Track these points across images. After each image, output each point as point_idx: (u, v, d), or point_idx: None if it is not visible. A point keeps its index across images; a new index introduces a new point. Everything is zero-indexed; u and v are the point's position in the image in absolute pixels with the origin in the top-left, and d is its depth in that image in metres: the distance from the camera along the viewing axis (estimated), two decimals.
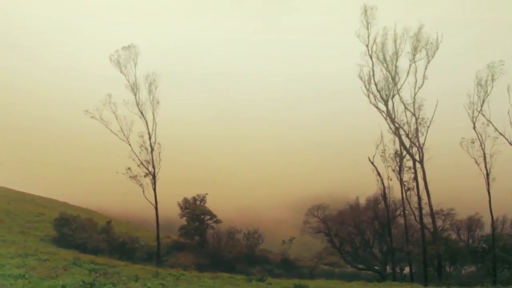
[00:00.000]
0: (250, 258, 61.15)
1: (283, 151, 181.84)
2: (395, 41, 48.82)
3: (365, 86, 50.22)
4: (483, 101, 47.52)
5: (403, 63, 49.12)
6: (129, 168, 50.89)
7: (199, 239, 64.14)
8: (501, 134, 46.85)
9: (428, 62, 48.20)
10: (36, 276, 19.18)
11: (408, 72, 48.84)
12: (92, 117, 50.86)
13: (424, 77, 48.25)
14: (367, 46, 49.52)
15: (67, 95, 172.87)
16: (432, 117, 48.12)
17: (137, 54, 51.76)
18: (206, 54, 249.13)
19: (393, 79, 49.19)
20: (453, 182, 73.62)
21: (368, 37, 49.29)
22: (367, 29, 49.20)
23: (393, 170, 52.29)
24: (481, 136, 47.63)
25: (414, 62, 48.54)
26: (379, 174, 53.70)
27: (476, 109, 47.76)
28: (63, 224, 53.48)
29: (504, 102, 48.56)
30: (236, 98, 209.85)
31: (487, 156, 47.31)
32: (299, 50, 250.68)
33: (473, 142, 47.49)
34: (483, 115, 47.61)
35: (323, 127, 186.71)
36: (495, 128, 47.11)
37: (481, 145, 47.53)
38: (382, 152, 52.86)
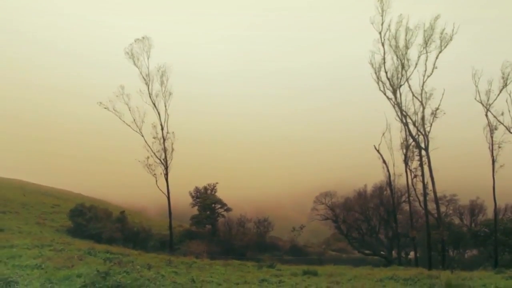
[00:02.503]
0: (260, 246, 62.24)
1: (292, 141, 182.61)
2: (408, 30, 48.78)
3: (375, 73, 50.66)
4: (500, 91, 48.14)
5: (415, 52, 49.35)
6: (147, 157, 52.66)
7: (211, 227, 65.41)
8: (507, 130, 47.69)
9: (440, 52, 48.33)
10: (52, 266, 19.22)
11: (416, 63, 49.08)
12: (105, 108, 52.33)
13: (434, 67, 48.44)
14: (380, 33, 49.67)
15: (82, 88, 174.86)
16: (439, 105, 48.59)
17: (150, 46, 53.07)
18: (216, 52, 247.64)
19: (403, 67, 49.30)
20: (458, 171, 73.98)
21: (382, 25, 49.43)
22: (382, 16, 49.25)
23: (403, 161, 52.90)
24: (492, 124, 48.44)
25: (427, 52, 48.59)
26: (384, 162, 54.56)
27: (488, 104, 48.45)
28: (78, 214, 54.35)
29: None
30: (244, 93, 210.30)
31: (495, 143, 48.14)
32: (306, 42, 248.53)
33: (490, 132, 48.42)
34: (491, 112, 48.54)
35: (331, 116, 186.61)
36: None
37: (490, 132, 48.28)
38: (389, 140, 53.88)
